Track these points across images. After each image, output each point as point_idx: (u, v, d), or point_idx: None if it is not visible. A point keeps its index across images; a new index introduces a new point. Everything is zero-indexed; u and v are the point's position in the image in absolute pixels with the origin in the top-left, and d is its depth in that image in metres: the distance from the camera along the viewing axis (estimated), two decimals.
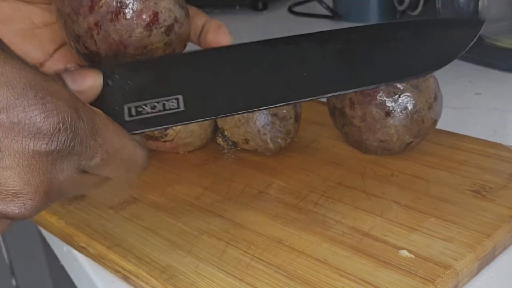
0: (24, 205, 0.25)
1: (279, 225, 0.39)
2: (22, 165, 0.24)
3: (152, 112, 0.32)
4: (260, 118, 0.46)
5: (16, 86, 0.24)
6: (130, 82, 0.32)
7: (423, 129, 0.45)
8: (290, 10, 1.11)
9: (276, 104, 0.34)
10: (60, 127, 0.25)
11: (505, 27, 0.75)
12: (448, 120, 0.51)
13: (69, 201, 0.44)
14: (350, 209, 0.40)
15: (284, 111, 0.47)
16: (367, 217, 0.39)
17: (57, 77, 0.29)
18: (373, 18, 0.99)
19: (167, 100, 0.32)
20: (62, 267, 0.47)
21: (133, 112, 0.31)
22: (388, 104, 0.43)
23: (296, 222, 0.39)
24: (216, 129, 0.50)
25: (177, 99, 0.32)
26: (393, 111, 0.44)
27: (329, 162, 0.47)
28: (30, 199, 0.25)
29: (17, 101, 0.24)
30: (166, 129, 0.48)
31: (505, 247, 0.37)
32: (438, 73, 0.47)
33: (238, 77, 0.34)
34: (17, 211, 0.25)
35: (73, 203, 0.43)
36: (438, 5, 0.77)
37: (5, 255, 0.88)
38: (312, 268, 0.34)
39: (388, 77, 0.34)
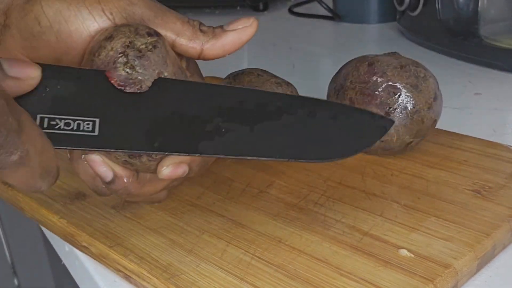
0: None
1: (280, 224, 0.39)
2: None
3: (65, 129, 0.29)
4: None
5: None
6: (48, 89, 0.30)
7: (423, 129, 0.45)
8: (290, 11, 1.11)
9: (181, 152, 0.32)
10: None
11: (505, 27, 0.75)
12: (448, 120, 0.51)
13: (71, 201, 0.44)
14: (350, 208, 0.40)
15: None
16: (367, 217, 0.39)
17: None
18: (373, 18, 0.99)
19: (83, 121, 0.30)
20: (64, 266, 0.47)
21: (45, 124, 0.29)
22: (388, 104, 0.44)
23: (296, 222, 0.39)
24: None
25: (93, 121, 0.30)
26: (393, 111, 0.44)
27: (329, 162, 0.47)
28: None
29: None
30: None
31: (505, 246, 0.37)
32: (438, 73, 0.48)
33: (162, 114, 0.32)
34: None
35: (75, 202, 0.44)
36: (438, 5, 0.77)
37: (7, 255, 0.88)
38: (313, 267, 0.34)
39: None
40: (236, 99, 0.34)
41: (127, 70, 0.32)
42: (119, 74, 0.32)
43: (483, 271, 0.36)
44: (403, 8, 0.84)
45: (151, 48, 0.32)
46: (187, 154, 0.33)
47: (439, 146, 0.48)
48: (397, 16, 0.90)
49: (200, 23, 0.35)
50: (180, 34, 0.34)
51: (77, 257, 0.41)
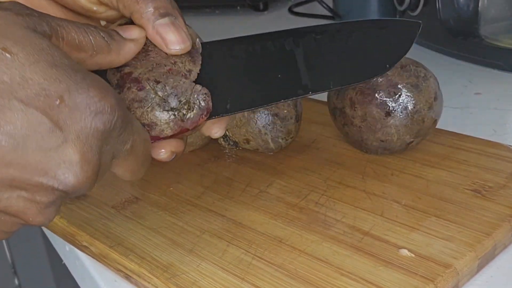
0: (79, 181, 0.27)
1: (280, 224, 0.39)
2: (83, 143, 0.27)
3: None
4: (261, 118, 0.47)
5: (75, 74, 0.27)
6: None
7: (423, 128, 0.45)
8: (290, 11, 1.11)
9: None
10: (115, 107, 0.28)
11: (505, 27, 0.75)
12: (448, 120, 0.51)
13: (71, 201, 0.44)
14: (350, 208, 0.40)
15: (285, 111, 0.47)
16: (368, 216, 0.39)
17: (109, 32, 0.31)
18: (374, 18, 0.99)
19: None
20: (64, 266, 0.47)
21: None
22: (388, 104, 0.44)
23: (296, 222, 0.39)
24: None
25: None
26: (393, 111, 0.44)
27: (330, 162, 0.47)
28: (86, 177, 0.27)
29: (77, 84, 0.26)
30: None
31: (505, 246, 0.37)
32: (438, 73, 0.47)
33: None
34: (73, 180, 0.27)
35: (75, 202, 0.44)
36: (438, 5, 0.77)
37: (8, 255, 0.88)
38: (313, 267, 0.34)
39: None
40: (278, 42, 0.37)
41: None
42: None
43: (484, 271, 0.36)
44: (403, 8, 0.84)
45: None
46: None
47: (440, 146, 0.48)
48: (397, 16, 0.90)
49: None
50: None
51: (78, 257, 0.41)
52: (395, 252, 0.35)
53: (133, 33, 0.33)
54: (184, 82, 0.33)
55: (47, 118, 0.26)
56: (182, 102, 0.33)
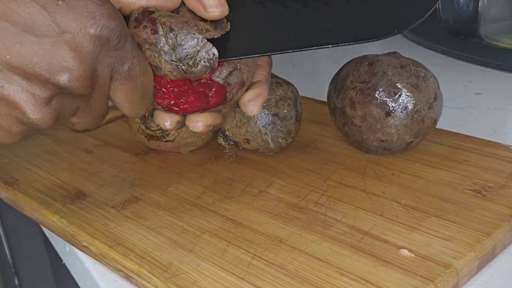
0: (73, 78, 0.28)
1: (280, 224, 0.39)
2: (78, 43, 0.28)
3: None
4: (261, 118, 0.47)
5: None
6: None
7: (423, 128, 0.45)
8: None
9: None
10: (114, 17, 0.29)
11: (505, 27, 0.75)
12: (448, 120, 0.51)
13: (71, 200, 0.44)
14: (350, 208, 0.40)
15: (285, 111, 0.47)
16: (368, 216, 0.39)
17: None
18: None
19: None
20: (64, 266, 0.47)
21: None
22: (388, 104, 0.44)
23: (296, 221, 0.39)
24: (217, 129, 0.50)
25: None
26: (393, 111, 0.44)
27: (330, 162, 0.47)
28: (79, 75, 0.28)
29: None
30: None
31: (505, 246, 0.37)
32: (438, 73, 0.48)
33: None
34: (65, 75, 0.28)
35: (75, 202, 0.44)
36: (438, 5, 0.77)
37: (8, 255, 0.88)
38: (313, 267, 0.34)
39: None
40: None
41: None
42: None
43: (484, 271, 0.36)
44: None
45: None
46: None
47: (440, 146, 0.48)
48: None
49: None
50: None
51: (78, 256, 0.41)
52: (395, 252, 0.35)
53: None
54: (197, 37, 0.33)
55: (46, 12, 0.27)
56: (188, 57, 0.33)
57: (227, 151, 0.50)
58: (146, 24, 0.33)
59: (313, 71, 0.80)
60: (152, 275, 0.35)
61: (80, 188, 0.46)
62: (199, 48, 0.33)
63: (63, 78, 0.28)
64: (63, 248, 0.45)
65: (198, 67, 0.34)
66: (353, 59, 0.48)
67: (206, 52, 0.34)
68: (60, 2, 0.28)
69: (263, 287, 0.33)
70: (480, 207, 0.39)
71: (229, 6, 0.35)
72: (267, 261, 0.35)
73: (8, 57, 0.28)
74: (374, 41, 0.38)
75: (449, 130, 0.51)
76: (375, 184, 0.43)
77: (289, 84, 0.48)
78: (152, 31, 0.33)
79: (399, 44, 0.86)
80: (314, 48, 0.36)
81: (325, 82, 0.51)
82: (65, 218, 0.42)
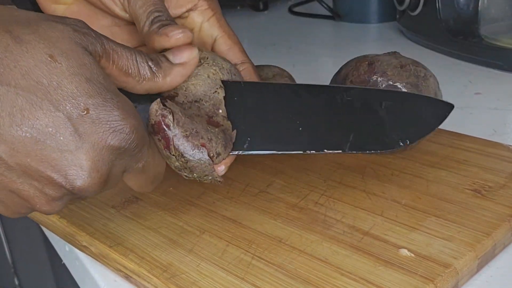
0: (86, 185, 0.30)
1: (280, 224, 0.39)
2: (96, 153, 0.29)
3: None
4: None
5: (105, 93, 0.30)
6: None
7: None
8: (290, 10, 1.11)
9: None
10: (134, 129, 0.30)
11: (505, 27, 0.75)
12: (448, 120, 0.51)
13: (72, 201, 0.44)
14: (350, 208, 0.40)
15: None
16: (368, 216, 0.39)
17: (159, 56, 0.34)
18: (373, 18, 0.99)
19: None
20: (64, 266, 0.47)
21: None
22: None
23: (296, 221, 0.39)
24: None
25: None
26: None
27: (330, 162, 0.47)
28: (94, 183, 0.30)
29: (105, 102, 0.29)
30: None
31: (505, 246, 0.37)
32: (438, 73, 0.48)
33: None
34: (79, 183, 0.29)
35: (75, 202, 0.44)
36: (438, 5, 0.77)
37: (8, 255, 0.88)
38: (313, 267, 0.34)
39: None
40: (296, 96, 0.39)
41: None
42: None
43: (484, 270, 0.36)
44: (403, 7, 0.84)
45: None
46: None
47: (440, 145, 0.48)
48: (397, 16, 0.90)
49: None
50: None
51: (77, 256, 0.41)
52: (395, 252, 0.35)
53: (183, 55, 0.35)
54: (207, 165, 0.35)
55: (70, 123, 0.29)
56: (197, 175, 0.36)
57: None
58: (160, 139, 0.34)
59: (313, 71, 0.80)
60: (152, 275, 0.35)
61: None
62: (207, 173, 0.36)
63: (77, 185, 0.29)
64: (63, 248, 0.45)
65: (207, 180, 0.37)
66: (353, 59, 0.48)
67: (212, 176, 0.36)
68: (85, 113, 0.29)
69: (263, 287, 0.33)
70: (480, 207, 0.39)
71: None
72: (267, 261, 0.35)
73: (28, 160, 0.28)
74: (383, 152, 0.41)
75: (449, 129, 0.51)
76: (375, 184, 0.43)
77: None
78: (165, 148, 0.34)
79: (399, 44, 0.86)
80: (321, 152, 0.38)
81: (325, 82, 0.51)
82: (65, 218, 0.42)
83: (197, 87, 0.36)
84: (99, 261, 0.39)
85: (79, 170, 0.29)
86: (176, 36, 0.35)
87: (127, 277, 0.37)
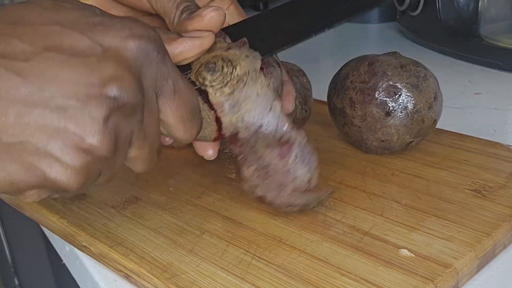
0: (122, 86, 0.29)
1: (280, 224, 0.39)
2: (122, 56, 0.29)
3: None
4: None
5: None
6: None
7: (423, 128, 0.45)
8: None
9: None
10: (148, 29, 0.31)
11: (505, 27, 0.75)
12: (448, 120, 0.51)
13: (71, 200, 0.44)
14: (350, 208, 0.40)
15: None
16: (368, 216, 0.39)
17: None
18: (374, 18, 0.99)
19: None
20: (64, 266, 0.47)
21: None
22: (388, 104, 0.44)
23: (296, 221, 0.39)
24: None
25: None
26: (393, 111, 0.44)
27: (330, 162, 0.47)
28: (128, 83, 0.29)
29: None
30: None
31: (505, 246, 0.37)
32: (438, 73, 0.48)
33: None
34: (118, 89, 0.29)
35: (75, 202, 0.44)
36: (438, 5, 0.77)
37: (8, 255, 0.88)
38: (313, 267, 0.34)
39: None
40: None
41: None
42: None
43: (484, 270, 0.36)
44: (403, 8, 0.84)
45: None
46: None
47: (440, 145, 0.48)
48: (398, 16, 0.90)
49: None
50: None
51: (78, 257, 0.41)
52: (395, 252, 0.35)
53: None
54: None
55: (86, 37, 0.29)
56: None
57: (227, 151, 0.50)
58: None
59: (313, 71, 0.80)
60: (152, 275, 0.35)
61: None
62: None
63: (114, 88, 0.29)
64: (63, 248, 0.45)
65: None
66: (353, 59, 0.48)
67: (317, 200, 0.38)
68: (97, 25, 0.29)
69: (263, 287, 0.33)
70: (480, 207, 0.39)
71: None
72: (267, 261, 0.35)
73: (60, 82, 0.28)
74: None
75: (449, 129, 0.51)
76: (375, 184, 0.43)
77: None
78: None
79: (399, 44, 0.86)
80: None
81: (325, 82, 0.51)
82: (65, 218, 0.42)
83: (251, 113, 0.35)
84: (99, 261, 0.39)
85: (110, 72, 0.29)
86: (209, 14, 0.35)
87: (127, 277, 0.37)
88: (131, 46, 0.30)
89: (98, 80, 0.29)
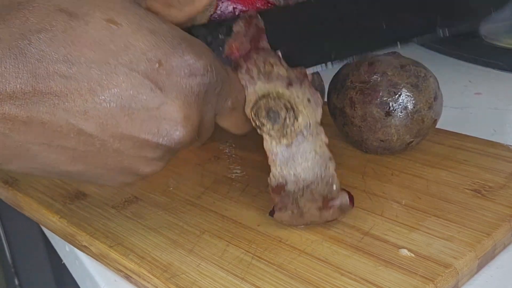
0: (180, 132, 0.30)
1: (280, 224, 0.39)
2: (181, 102, 0.29)
3: None
4: None
5: (172, 40, 0.29)
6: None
7: (423, 128, 0.45)
8: None
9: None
10: (208, 67, 0.30)
11: (505, 27, 0.75)
12: (448, 120, 0.51)
13: (71, 200, 0.44)
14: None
15: None
16: (368, 216, 0.39)
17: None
18: None
19: None
20: (64, 266, 0.47)
21: None
22: (388, 104, 0.44)
23: None
24: None
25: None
26: (393, 111, 0.44)
27: None
28: (188, 132, 0.30)
29: (173, 49, 0.29)
30: None
31: (505, 246, 0.37)
32: (438, 73, 0.47)
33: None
34: (174, 135, 0.30)
35: (75, 202, 0.44)
36: None
37: (8, 255, 0.88)
38: (313, 267, 0.34)
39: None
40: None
41: None
42: None
43: (484, 270, 0.36)
44: None
45: None
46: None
47: (440, 145, 0.48)
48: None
49: None
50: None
51: (78, 256, 0.41)
52: (395, 252, 0.35)
53: None
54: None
55: (148, 80, 0.28)
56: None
57: (227, 151, 0.50)
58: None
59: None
60: (152, 275, 0.35)
61: (80, 188, 0.46)
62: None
63: (173, 139, 0.30)
64: (63, 248, 0.45)
65: None
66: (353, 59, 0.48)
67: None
68: (157, 66, 0.29)
69: (263, 287, 0.33)
70: (480, 207, 0.39)
71: None
72: (267, 261, 0.35)
73: (119, 130, 0.29)
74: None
75: (449, 129, 0.51)
76: (375, 184, 0.43)
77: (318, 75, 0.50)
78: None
79: None
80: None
81: (325, 82, 0.51)
82: (65, 218, 0.42)
83: (306, 171, 0.34)
84: (99, 261, 0.39)
85: (170, 123, 0.29)
86: None
87: (127, 277, 0.37)
88: (193, 91, 0.30)
89: (157, 130, 0.29)
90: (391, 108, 0.44)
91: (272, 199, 0.36)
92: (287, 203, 0.35)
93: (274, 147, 0.34)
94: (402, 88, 0.44)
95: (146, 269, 0.35)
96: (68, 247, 0.43)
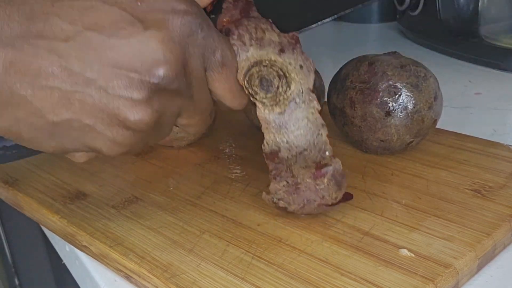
0: (166, 70, 0.29)
1: (280, 224, 0.39)
2: (165, 36, 0.29)
3: None
4: None
5: None
6: None
7: (423, 128, 0.45)
8: None
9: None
10: (190, 8, 0.30)
11: (505, 27, 0.75)
12: (448, 120, 0.51)
13: (71, 200, 0.44)
14: (350, 208, 0.40)
15: None
16: (368, 216, 0.39)
17: None
18: (374, 18, 0.99)
19: None
20: (64, 266, 0.47)
21: None
22: (388, 104, 0.44)
23: (296, 221, 0.39)
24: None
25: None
26: (393, 111, 0.44)
27: None
28: (172, 67, 0.29)
29: None
30: None
31: (505, 246, 0.37)
32: (438, 73, 0.48)
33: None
34: (161, 74, 0.29)
35: (75, 202, 0.44)
36: (438, 5, 0.77)
37: (8, 255, 0.88)
38: (313, 267, 0.34)
39: None
40: None
41: None
42: None
43: (484, 270, 0.36)
44: (403, 8, 0.84)
45: None
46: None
47: (440, 145, 0.48)
48: (398, 16, 0.90)
49: None
50: None
51: (78, 256, 0.41)
52: (395, 252, 0.35)
53: None
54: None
55: (126, 13, 0.28)
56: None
57: (227, 151, 0.50)
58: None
59: None
60: (152, 275, 0.35)
61: (80, 188, 0.46)
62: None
63: (156, 73, 0.29)
64: (63, 248, 0.45)
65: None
66: (353, 59, 0.48)
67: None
68: (139, 3, 0.29)
69: (263, 287, 0.33)
70: (480, 207, 0.39)
71: None
72: (267, 261, 0.35)
73: (102, 66, 0.28)
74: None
75: (449, 129, 0.51)
76: (375, 184, 0.43)
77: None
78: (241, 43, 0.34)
79: (399, 44, 0.86)
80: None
81: (325, 82, 0.51)
82: (65, 218, 0.42)
83: (298, 137, 0.35)
84: (99, 261, 0.39)
85: (152, 55, 0.28)
86: None
87: (127, 277, 0.37)
88: (174, 25, 0.29)
89: (140, 64, 0.29)
90: (391, 108, 0.44)
91: (267, 165, 0.36)
92: (281, 170, 0.35)
93: (267, 115, 0.34)
94: (402, 88, 0.44)
95: (146, 269, 0.35)
96: (68, 247, 0.43)
